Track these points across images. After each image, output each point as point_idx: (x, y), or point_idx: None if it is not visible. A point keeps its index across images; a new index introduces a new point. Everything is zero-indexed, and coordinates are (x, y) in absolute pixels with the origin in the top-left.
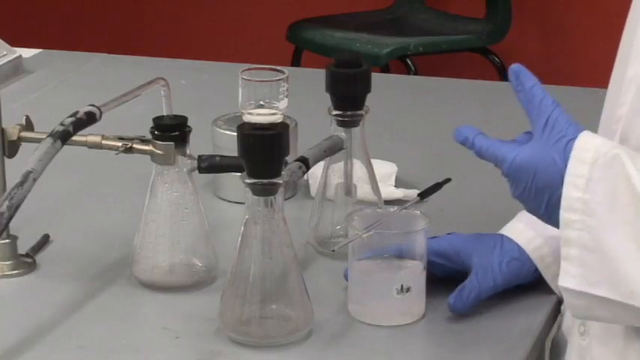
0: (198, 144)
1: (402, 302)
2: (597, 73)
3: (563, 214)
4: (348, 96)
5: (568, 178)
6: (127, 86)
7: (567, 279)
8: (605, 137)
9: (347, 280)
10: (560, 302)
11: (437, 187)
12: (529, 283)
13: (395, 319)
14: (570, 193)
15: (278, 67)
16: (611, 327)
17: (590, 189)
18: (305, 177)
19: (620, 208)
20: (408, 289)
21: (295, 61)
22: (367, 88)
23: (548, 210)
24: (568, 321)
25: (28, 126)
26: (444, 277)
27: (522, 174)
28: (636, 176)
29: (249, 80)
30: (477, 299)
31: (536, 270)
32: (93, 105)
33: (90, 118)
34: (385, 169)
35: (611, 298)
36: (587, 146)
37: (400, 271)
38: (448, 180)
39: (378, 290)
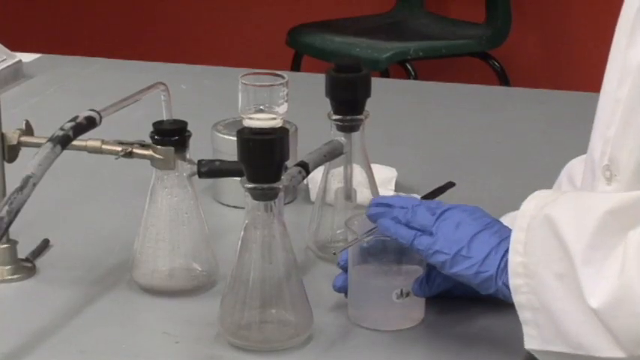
0: (198, 149)
1: (402, 307)
2: (596, 77)
3: (511, 281)
4: (348, 101)
5: (511, 246)
6: (127, 91)
7: (531, 342)
8: (548, 193)
9: (337, 288)
10: None
11: (440, 190)
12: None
13: (394, 323)
14: (513, 258)
15: (278, 72)
16: None
17: (528, 252)
18: (305, 182)
19: (554, 264)
20: (407, 294)
21: (295, 66)
22: (367, 93)
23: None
24: None
25: (28, 131)
26: None
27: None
28: (562, 229)
29: (249, 85)
30: (442, 285)
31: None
32: (93, 110)
33: (90, 123)
34: (385, 174)
35: (565, 352)
36: (523, 214)
37: (399, 276)
38: (451, 184)
39: (377, 295)
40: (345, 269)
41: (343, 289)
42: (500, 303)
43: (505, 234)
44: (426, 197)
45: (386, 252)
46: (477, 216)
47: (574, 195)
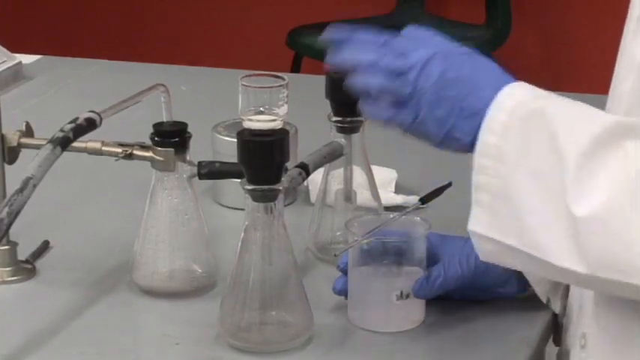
0: (198, 150)
1: (402, 308)
2: (597, 78)
3: (477, 159)
4: (348, 102)
5: (486, 123)
6: (127, 92)
7: (476, 224)
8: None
9: (337, 291)
10: (555, 315)
11: (438, 191)
12: (503, 283)
13: (394, 325)
14: (486, 137)
15: (278, 74)
16: (611, 342)
17: (506, 137)
18: (305, 183)
19: (533, 158)
20: (407, 296)
21: (295, 68)
22: None
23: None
24: (569, 335)
25: (28, 132)
26: None
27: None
28: (558, 126)
29: (249, 86)
30: (442, 287)
31: (507, 269)
32: (93, 111)
33: (90, 125)
34: (385, 176)
35: (517, 247)
36: (510, 95)
37: (400, 277)
38: (449, 185)
39: (377, 296)
40: (344, 272)
41: (343, 292)
42: (500, 304)
43: (486, 97)
44: (424, 199)
45: (386, 253)
46: (452, 76)
47: (571, 100)
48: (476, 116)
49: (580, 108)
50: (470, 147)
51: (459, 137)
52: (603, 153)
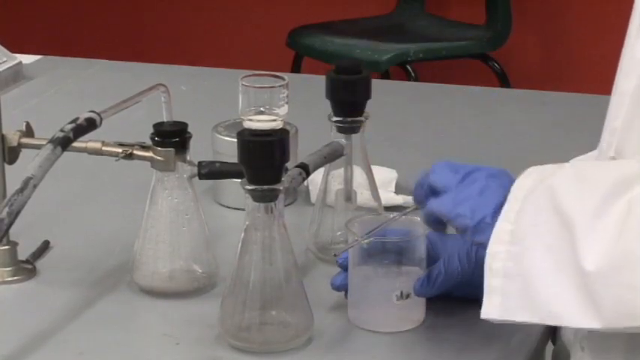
0: (199, 150)
1: (402, 308)
2: (597, 79)
3: (491, 247)
4: (348, 102)
5: (501, 215)
6: (127, 92)
7: (489, 311)
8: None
9: (336, 287)
10: None
11: None
12: None
13: (395, 325)
14: (501, 225)
15: (278, 74)
16: (611, 347)
17: (519, 220)
18: (305, 183)
19: (544, 233)
20: (407, 296)
21: (295, 68)
22: (367, 95)
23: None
24: (568, 333)
25: (29, 132)
26: None
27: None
28: (564, 201)
29: (250, 86)
30: (443, 284)
31: None
32: (93, 111)
33: (90, 125)
34: (385, 176)
35: (530, 321)
36: (521, 186)
37: (400, 277)
38: None
39: (377, 296)
40: (344, 267)
41: (342, 288)
42: None
43: None
44: None
45: (386, 253)
46: (504, 182)
47: (575, 168)
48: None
49: (582, 174)
50: None
51: (493, 224)
52: (609, 210)
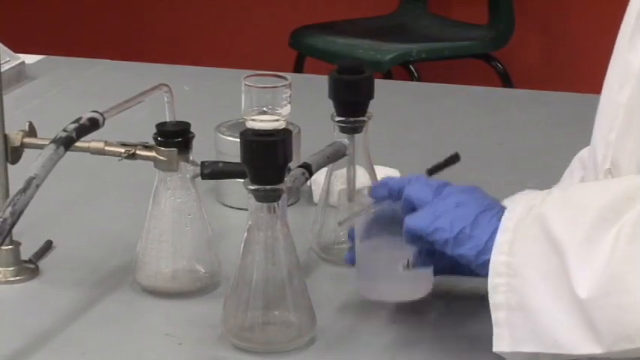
0: (201, 150)
1: (409, 278)
2: (599, 79)
3: (491, 280)
4: (351, 102)
5: (495, 247)
6: (130, 92)
7: (499, 344)
8: (535, 194)
9: (349, 262)
10: None
11: (445, 164)
12: None
13: (402, 295)
14: (496, 258)
15: (281, 74)
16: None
17: (514, 251)
18: (308, 183)
19: (539, 265)
20: (414, 265)
21: (298, 68)
22: (370, 95)
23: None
24: None
25: (31, 132)
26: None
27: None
28: (555, 228)
29: (252, 86)
30: (443, 258)
31: None
32: (96, 111)
33: (93, 124)
34: (388, 175)
35: (538, 351)
36: (510, 215)
37: (405, 247)
38: (456, 156)
39: (384, 266)
40: (352, 240)
41: (355, 261)
42: None
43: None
44: (431, 171)
45: (392, 224)
46: (477, 196)
47: (563, 193)
48: (490, 226)
49: (573, 198)
50: (478, 254)
51: (473, 235)
52: (596, 237)
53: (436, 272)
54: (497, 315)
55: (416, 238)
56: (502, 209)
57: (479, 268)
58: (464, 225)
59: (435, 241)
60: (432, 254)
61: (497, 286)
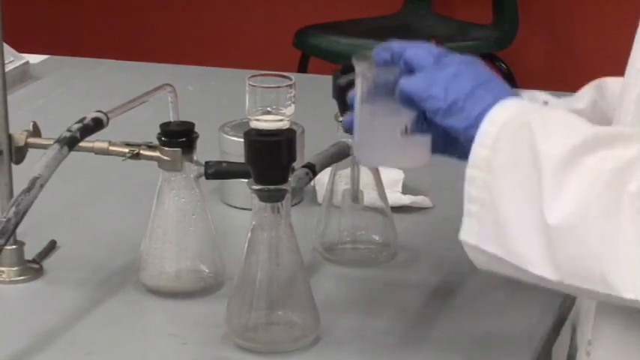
0: (205, 150)
1: (407, 145)
2: None
3: (468, 171)
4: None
5: (478, 137)
6: (134, 92)
7: (467, 234)
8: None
9: (346, 126)
10: (563, 319)
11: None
12: None
13: (400, 161)
14: (477, 151)
15: (285, 74)
16: (615, 354)
17: (495, 149)
18: (312, 183)
19: (518, 171)
20: (413, 131)
21: (302, 68)
22: None
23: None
24: (577, 338)
25: (35, 132)
26: None
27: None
28: (540, 140)
29: (256, 86)
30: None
31: None
32: (100, 111)
33: (97, 124)
34: (392, 176)
35: (500, 256)
36: (502, 110)
37: (403, 112)
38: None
39: (382, 132)
40: (352, 106)
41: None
42: (506, 304)
43: (501, 94)
44: (437, 41)
45: (392, 90)
46: (477, 69)
47: (560, 112)
48: (485, 101)
49: (564, 121)
50: (467, 127)
51: (465, 108)
52: (578, 163)
53: (439, 143)
54: (469, 207)
55: (409, 101)
56: (499, 86)
57: (467, 142)
58: (458, 96)
59: (427, 108)
60: (430, 122)
61: (474, 179)
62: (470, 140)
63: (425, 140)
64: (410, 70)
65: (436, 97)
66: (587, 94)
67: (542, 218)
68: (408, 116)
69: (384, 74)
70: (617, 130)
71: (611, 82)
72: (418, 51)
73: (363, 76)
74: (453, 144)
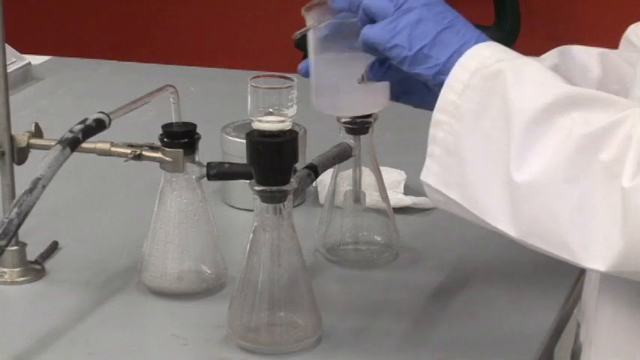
0: (208, 151)
1: (365, 91)
2: None
3: (435, 114)
4: None
5: (448, 81)
6: (136, 93)
7: (428, 175)
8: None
9: (302, 72)
10: (566, 318)
11: None
12: None
13: (358, 108)
14: (446, 95)
15: (287, 75)
16: (619, 348)
17: (465, 95)
18: (314, 184)
19: (487, 120)
20: (370, 78)
21: None
22: None
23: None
24: (582, 333)
25: (38, 133)
26: None
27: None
28: (513, 91)
29: (258, 87)
30: (396, 73)
31: None
32: (102, 112)
33: (99, 125)
34: (394, 177)
35: (460, 203)
36: (474, 55)
37: (359, 60)
38: None
39: (339, 80)
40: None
41: (307, 72)
42: (508, 303)
43: (467, 36)
44: None
45: (349, 37)
46: (439, 11)
47: (535, 64)
48: (452, 46)
49: (539, 74)
50: (435, 74)
51: (431, 55)
52: (549, 122)
53: (393, 91)
54: (432, 149)
55: (373, 51)
56: (464, 27)
57: (436, 88)
58: (423, 43)
59: (392, 57)
60: (389, 66)
61: (441, 123)
62: (439, 85)
63: (382, 86)
64: (370, 19)
65: (400, 45)
66: (549, 57)
67: (508, 173)
68: (364, 64)
69: (338, 24)
70: (592, 92)
71: (576, 50)
72: None
73: (313, 26)
74: (408, 92)
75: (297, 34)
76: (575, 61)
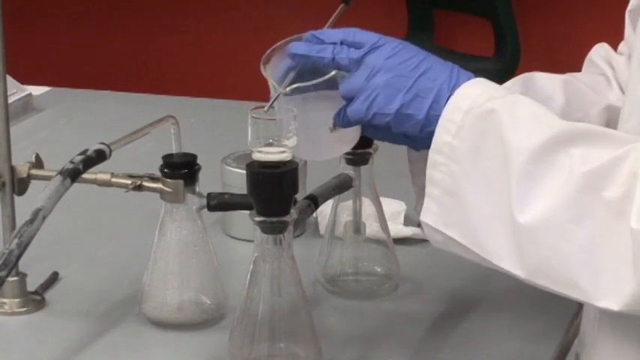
0: (208, 182)
1: (339, 136)
2: None
3: (432, 155)
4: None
5: (441, 122)
6: (137, 124)
7: (427, 215)
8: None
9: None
10: (566, 348)
11: None
12: None
13: (332, 152)
14: (441, 136)
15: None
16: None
17: (460, 136)
18: (314, 215)
19: (484, 161)
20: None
21: None
22: None
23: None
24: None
25: (38, 164)
26: None
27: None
28: (508, 130)
29: (259, 118)
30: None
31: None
32: (102, 143)
33: (99, 156)
34: (394, 208)
35: (461, 242)
36: (465, 95)
37: (329, 111)
38: None
39: (310, 131)
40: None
41: None
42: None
43: (440, 76)
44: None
45: (312, 91)
46: (404, 59)
47: (526, 100)
48: (429, 94)
49: (533, 111)
50: (421, 128)
51: (412, 113)
52: (548, 161)
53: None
54: (431, 189)
55: (357, 123)
56: (436, 67)
57: (427, 136)
58: (399, 104)
59: (377, 125)
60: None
61: (437, 164)
62: (429, 135)
63: (353, 128)
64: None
65: (380, 113)
66: (514, 84)
67: (510, 214)
68: (335, 107)
69: (304, 87)
70: (587, 127)
71: (539, 77)
72: (342, 56)
73: (281, 92)
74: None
75: (267, 107)
76: (538, 90)
